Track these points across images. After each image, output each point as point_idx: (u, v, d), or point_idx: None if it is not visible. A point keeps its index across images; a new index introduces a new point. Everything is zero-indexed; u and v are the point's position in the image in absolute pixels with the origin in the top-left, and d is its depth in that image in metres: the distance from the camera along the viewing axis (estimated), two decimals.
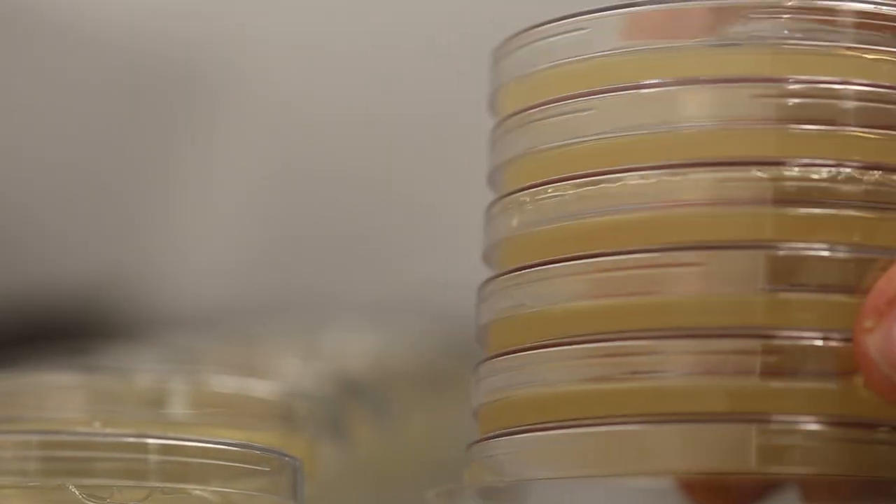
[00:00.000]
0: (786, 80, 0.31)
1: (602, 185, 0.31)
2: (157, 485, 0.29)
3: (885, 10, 0.31)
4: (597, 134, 0.31)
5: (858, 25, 0.31)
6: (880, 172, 0.30)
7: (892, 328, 0.31)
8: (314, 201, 0.96)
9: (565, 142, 0.31)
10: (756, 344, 0.29)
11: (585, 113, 0.31)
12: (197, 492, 0.29)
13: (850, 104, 0.31)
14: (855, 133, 0.30)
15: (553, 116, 0.32)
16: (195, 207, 0.96)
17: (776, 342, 0.30)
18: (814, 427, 0.29)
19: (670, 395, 0.29)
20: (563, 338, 0.30)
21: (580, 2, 0.36)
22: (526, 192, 0.32)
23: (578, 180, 0.31)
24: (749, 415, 0.29)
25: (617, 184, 0.31)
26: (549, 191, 0.31)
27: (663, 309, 0.30)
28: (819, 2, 0.31)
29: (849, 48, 0.31)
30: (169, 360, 0.38)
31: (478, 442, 0.31)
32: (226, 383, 0.32)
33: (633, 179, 0.30)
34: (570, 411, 0.30)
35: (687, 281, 0.30)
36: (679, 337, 0.30)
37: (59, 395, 0.32)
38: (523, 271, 0.31)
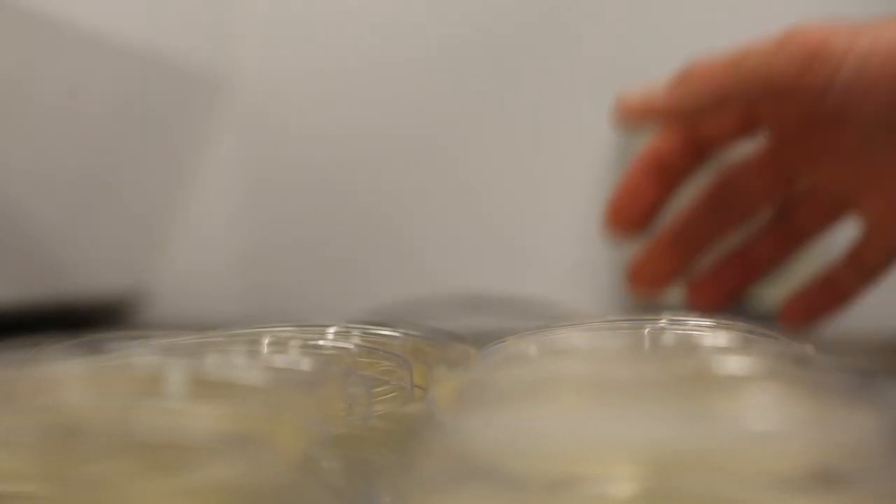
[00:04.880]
0: None
1: None
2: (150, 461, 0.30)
3: None
4: None
5: None
6: None
7: None
8: (301, 230, 0.97)
9: None
10: None
11: None
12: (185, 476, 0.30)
13: None
14: None
15: None
16: (190, 226, 0.97)
17: None
18: None
19: None
20: None
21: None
22: None
23: None
24: None
25: None
26: None
27: None
28: None
29: None
30: (165, 351, 0.39)
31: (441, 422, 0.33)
32: (218, 370, 0.34)
33: None
34: None
35: None
36: None
37: (58, 380, 0.33)
38: None
